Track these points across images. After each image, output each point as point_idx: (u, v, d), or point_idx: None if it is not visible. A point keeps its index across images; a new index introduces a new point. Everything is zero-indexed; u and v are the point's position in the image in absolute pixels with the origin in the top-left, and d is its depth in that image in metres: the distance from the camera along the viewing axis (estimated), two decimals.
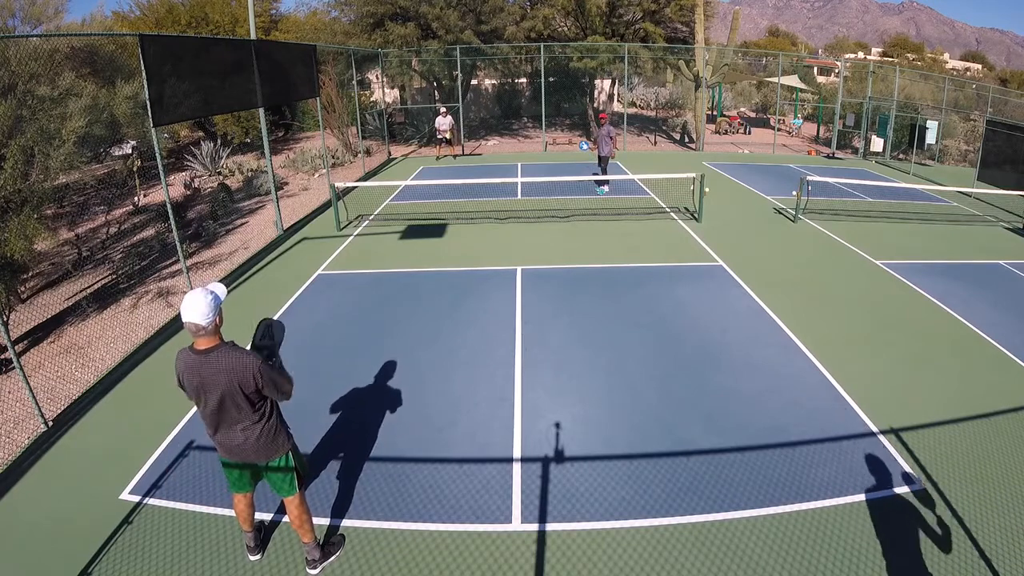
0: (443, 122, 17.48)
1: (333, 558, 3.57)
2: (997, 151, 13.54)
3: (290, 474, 3.28)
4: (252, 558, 3.58)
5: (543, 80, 19.59)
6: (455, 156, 18.44)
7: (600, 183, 13.29)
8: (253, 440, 3.10)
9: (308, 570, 3.48)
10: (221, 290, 3.04)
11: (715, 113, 27.23)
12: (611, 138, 12.84)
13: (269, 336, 3.26)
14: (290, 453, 3.28)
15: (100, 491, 4.15)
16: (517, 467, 4.36)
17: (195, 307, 2.87)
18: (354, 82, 17.22)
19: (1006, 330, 6.66)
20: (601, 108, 25.59)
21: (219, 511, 3.93)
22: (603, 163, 13.07)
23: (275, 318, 3.42)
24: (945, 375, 5.70)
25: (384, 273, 8.32)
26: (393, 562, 3.55)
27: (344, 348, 6.16)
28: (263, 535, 3.71)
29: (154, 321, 6.96)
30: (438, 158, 17.99)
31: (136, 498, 4.07)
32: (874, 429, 4.80)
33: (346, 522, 3.85)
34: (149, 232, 11.06)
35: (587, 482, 4.20)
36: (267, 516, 3.87)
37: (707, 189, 10.88)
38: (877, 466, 4.35)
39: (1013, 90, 33.36)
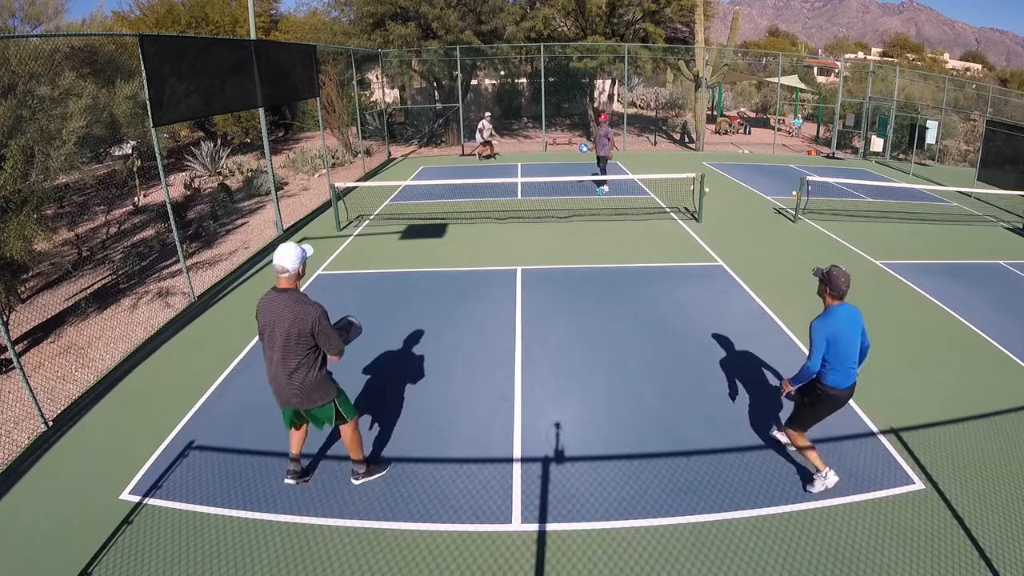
0: (483, 126, 17.73)
1: (374, 477, 4.13)
2: (997, 151, 13.54)
3: (333, 414, 3.77)
4: (287, 481, 4.09)
5: (543, 80, 19.59)
6: (489, 156, 18.11)
7: (599, 183, 13.29)
8: (297, 385, 3.56)
9: (351, 479, 4.10)
10: (309, 249, 3.67)
11: (715, 113, 27.23)
12: (609, 139, 12.82)
13: (345, 331, 3.83)
14: (334, 403, 3.74)
15: (100, 491, 4.15)
16: (517, 467, 4.36)
17: (286, 254, 3.50)
18: (354, 82, 17.22)
19: (1006, 330, 6.66)
20: (601, 108, 25.61)
21: (219, 511, 3.93)
22: (601, 163, 13.08)
23: (357, 321, 3.97)
24: (945, 375, 5.70)
25: (384, 273, 8.32)
26: (393, 562, 3.55)
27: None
28: (308, 471, 4.22)
29: (154, 321, 6.95)
30: (486, 156, 18.03)
31: (136, 498, 4.07)
32: (874, 429, 4.80)
33: (346, 522, 3.84)
34: (149, 232, 11.06)
35: (587, 482, 4.20)
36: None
37: (707, 189, 10.88)
38: (877, 466, 4.35)
39: (1013, 90, 33.36)
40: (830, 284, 3.86)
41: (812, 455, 4.10)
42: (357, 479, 4.10)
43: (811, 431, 4.08)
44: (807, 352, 3.93)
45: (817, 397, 3.94)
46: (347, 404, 3.87)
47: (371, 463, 4.19)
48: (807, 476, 4.22)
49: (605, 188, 13.27)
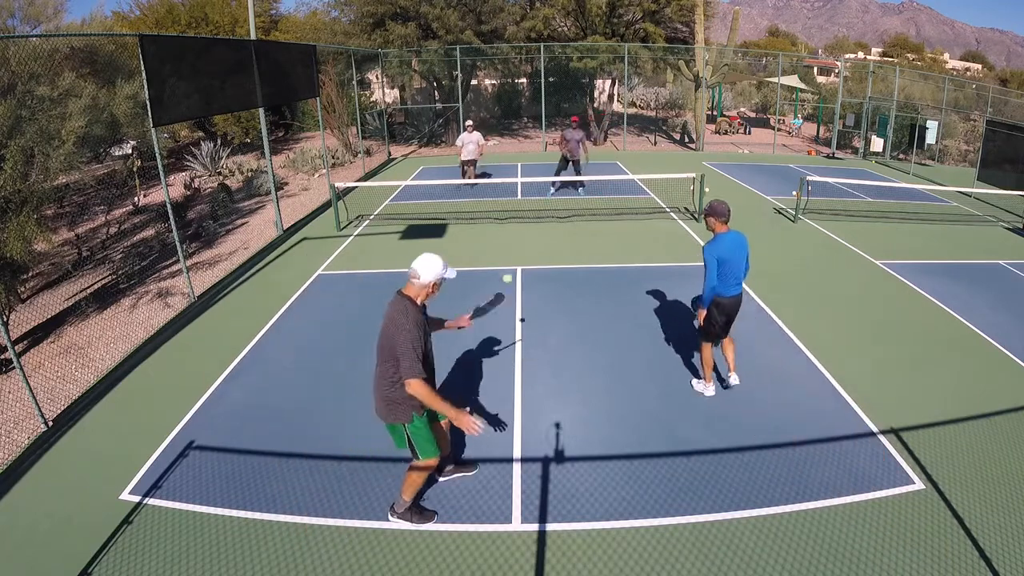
0: (468, 139, 13.01)
1: (412, 526, 3.76)
2: (997, 151, 13.54)
3: (405, 440, 3.57)
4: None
5: (543, 80, 19.59)
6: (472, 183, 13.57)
7: (554, 184, 12.87)
8: (377, 392, 3.50)
9: (389, 513, 3.84)
10: (453, 272, 3.58)
11: (715, 113, 27.23)
12: (581, 143, 12.25)
13: (491, 305, 4.25)
14: (405, 429, 3.50)
15: (100, 491, 4.15)
16: (517, 467, 4.36)
17: (425, 262, 3.42)
18: (354, 82, 17.22)
19: (1006, 330, 6.66)
20: (601, 108, 25.59)
21: (219, 511, 3.93)
22: (576, 166, 12.56)
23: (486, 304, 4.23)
24: (945, 375, 5.70)
25: (384, 273, 8.31)
26: (393, 562, 3.55)
27: (344, 348, 6.16)
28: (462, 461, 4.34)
29: (154, 321, 6.95)
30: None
31: (136, 498, 4.07)
32: (874, 429, 4.80)
33: (346, 522, 3.85)
34: (149, 232, 11.06)
35: (587, 482, 4.20)
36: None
37: (707, 189, 10.89)
38: (877, 466, 4.35)
39: (1013, 90, 33.36)
40: (713, 213, 4.71)
41: (707, 369, 5.18)
42: (393, 515, 3.81)
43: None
44: (705, 277, 4.80)
45: (709, 308, 4.88)
46: (424, 442, 3.55)
47: (414, 509, 3.83)
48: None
49: (582, 189, 12.98)
